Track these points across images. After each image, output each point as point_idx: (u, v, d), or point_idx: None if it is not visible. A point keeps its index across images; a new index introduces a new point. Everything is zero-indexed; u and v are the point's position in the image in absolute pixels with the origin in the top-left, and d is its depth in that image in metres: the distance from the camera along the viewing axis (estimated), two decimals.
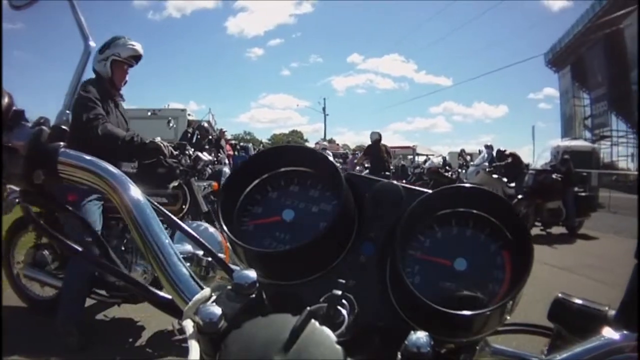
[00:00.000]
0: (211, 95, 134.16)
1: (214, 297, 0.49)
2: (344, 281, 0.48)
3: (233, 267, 0.59)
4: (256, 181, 0.61)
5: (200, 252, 0.74)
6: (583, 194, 9.64)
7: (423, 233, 0.55)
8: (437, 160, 12.44)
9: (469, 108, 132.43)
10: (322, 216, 0.57)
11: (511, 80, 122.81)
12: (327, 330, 0.41)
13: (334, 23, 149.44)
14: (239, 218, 0.59)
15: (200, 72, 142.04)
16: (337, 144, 39.35)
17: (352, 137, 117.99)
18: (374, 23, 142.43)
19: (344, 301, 0.47)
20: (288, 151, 0.61)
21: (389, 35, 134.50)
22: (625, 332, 0.47)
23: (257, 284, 0.47)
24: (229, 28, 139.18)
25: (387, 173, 10.90)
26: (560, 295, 0.60)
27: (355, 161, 13.51)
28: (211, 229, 0.84)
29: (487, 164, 10.43)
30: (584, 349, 0.46)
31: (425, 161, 13.84)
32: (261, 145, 40.70)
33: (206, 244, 0.61)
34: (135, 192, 0.58)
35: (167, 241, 0.55)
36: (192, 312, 0.46)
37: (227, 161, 12.06)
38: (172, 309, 0.54)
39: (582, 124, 34.59)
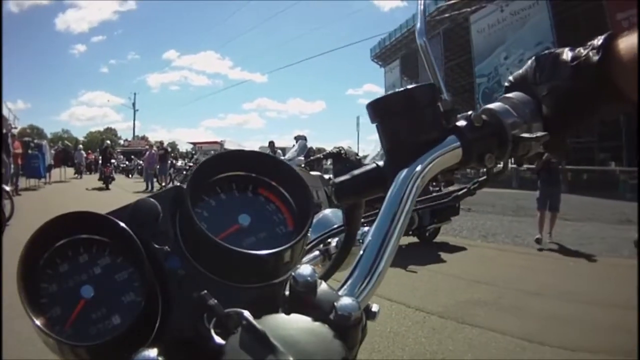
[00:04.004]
0: (36, 93, 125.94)
1: None
2: (213, 299, 0.47)
3: None
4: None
5: None
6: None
7: (199, 217, 0.54)
8: None
9: (283, 104, 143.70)
10: (125, 282, 0.52)
11: (330, 77, 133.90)
12: (299, 315, 0.41)
13: (154, 19, 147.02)
14: (51, 325, 0.50)
15: (29, 70, 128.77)
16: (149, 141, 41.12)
17: (165, 134, 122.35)
18: (192, 18, 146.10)
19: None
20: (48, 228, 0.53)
21: (205, 31, 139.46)
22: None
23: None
24: (58, 24, 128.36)
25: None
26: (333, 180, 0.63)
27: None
28: None
29: (302, 157, 8.95)
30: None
31: None
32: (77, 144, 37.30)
33: None
34: None
35: None
36: None
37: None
38: None
39: None
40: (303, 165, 7.92)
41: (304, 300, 0.44)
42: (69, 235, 0.53)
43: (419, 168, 0.52)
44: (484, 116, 0.58)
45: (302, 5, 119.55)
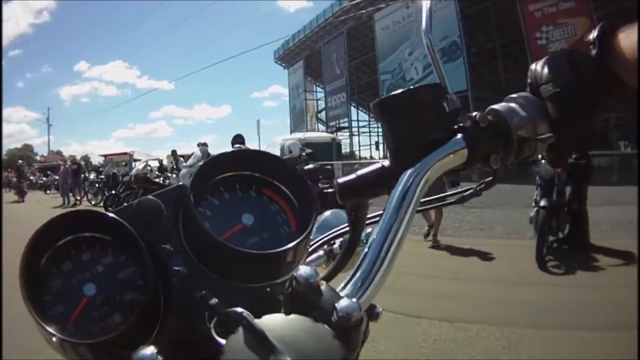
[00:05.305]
0: None
1: None
2: (215, 298, 0.46)
3: None
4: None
5: None
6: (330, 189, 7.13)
7: (203, 217, 0.55)
8: (153, 164, 11.72)
9: (190, 110, 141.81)
10: (127, 281, 0.52)
11: (235, 81, 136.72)
12: (300, 316, 0.41)
13: (65, 31, 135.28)
14: (54, 323, 0.49)
15: None
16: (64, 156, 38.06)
17: (78, 147, 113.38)
18: (102, 28, 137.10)
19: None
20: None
21: (114, 40, 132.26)
22: None
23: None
24: None
25: None
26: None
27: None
28: None
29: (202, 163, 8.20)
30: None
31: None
32: None
33: None
34: None
35: None
36: None
37: None
38: None
39: (314, 117, 35.62)
40: None
41: (305, 300, 0.43)
42: (72, 233, 0.53)
43: (423, 168, 0.52)
44: (489, 117, 0.57)
45: (209, 11, 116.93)
